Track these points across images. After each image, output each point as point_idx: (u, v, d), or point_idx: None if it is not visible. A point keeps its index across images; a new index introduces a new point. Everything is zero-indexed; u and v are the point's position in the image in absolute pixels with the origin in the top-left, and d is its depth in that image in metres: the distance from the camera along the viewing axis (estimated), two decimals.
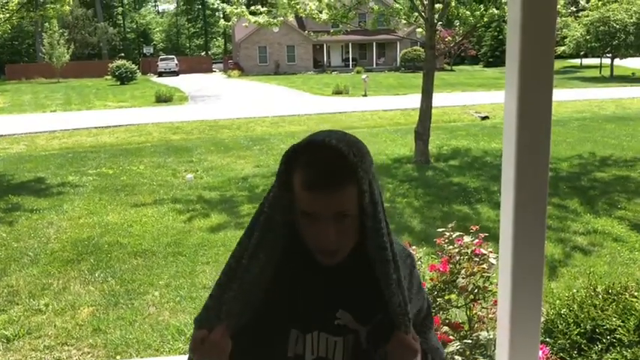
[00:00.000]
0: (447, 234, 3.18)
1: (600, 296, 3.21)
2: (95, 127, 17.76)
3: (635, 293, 3.18)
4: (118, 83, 36.78)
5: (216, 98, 27.50)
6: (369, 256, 1.21)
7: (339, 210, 1.14)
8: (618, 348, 2.85)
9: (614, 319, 2.97)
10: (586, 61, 45.46)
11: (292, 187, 1.16)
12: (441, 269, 3.03)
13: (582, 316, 3.10)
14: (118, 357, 4.28)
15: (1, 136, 16.56)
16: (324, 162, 1.13)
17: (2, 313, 5.05)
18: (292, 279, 1.26)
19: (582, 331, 3.03)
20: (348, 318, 1.26)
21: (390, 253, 1.19)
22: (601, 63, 38.95)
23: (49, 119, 20.44)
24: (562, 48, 36.09)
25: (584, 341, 2.98)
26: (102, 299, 5.29)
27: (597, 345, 2.94)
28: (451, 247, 3.14)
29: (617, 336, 2.88)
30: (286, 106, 22.53)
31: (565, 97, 22.26)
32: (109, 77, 38.60)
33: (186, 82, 37.70)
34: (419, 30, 12.33)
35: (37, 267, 6.12)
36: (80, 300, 5.28)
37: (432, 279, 3.10)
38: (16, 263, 6.25)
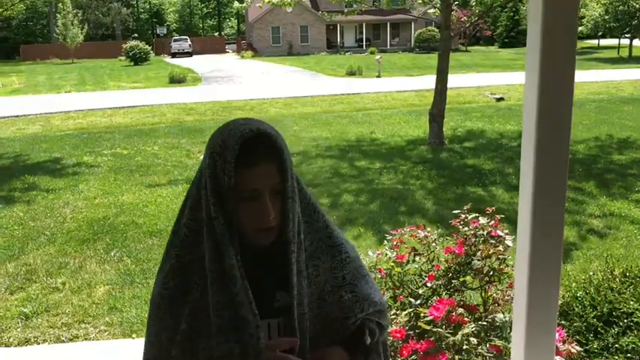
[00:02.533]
0: (463, 215, 3.16)
1: (617, 279, 3.19)
2: (109, 108, 17.82)
3: None
4: (132, 64, 36.83)
5: (230, 79, 27.45)
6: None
7: (275, 181, 1.22)
8: (635, 331, 2.83)
9: (631, 303, 2.94)
10: (604, 42, 44.73)
11: (230, 178, 1.19)
12: (456, 251, 3.02)
13: (599, 299, 3.08)
14: (134, 335, 4.33)
15: (17, 116, 16.69)
16: (258, 140, 1.21)
17: (20, 290, 5.13)
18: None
19: (599, 314, 3.01)
20: (285, 297, 1.29)
21: (293, 248, 1.26)
22: (619, 43, 38.32)
23: (64, 100, 20.54)
24: (580, 28, 35.52)
25: (601, 324, 2.96)
26: (118, 278, 5.35)
27: (614, 328, 2.92)
28: (466, 228, 3.12)
29: (635, 319, 2.86)
30: (299, 88, 22.45)
31: (582, 78, 21.92)
32: (123, 58, 38.68)
33: (199, 63, 37.65)
34: (433, 10, 12.18)
35: (54, 246, 6.20)
36: (96, 279, 5.34)
37: (446, 261, 3.09)
38: (33, 242, 6.33)
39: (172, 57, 46.25)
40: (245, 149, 1.18)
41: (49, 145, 12.16)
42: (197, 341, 1.26)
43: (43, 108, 17.99)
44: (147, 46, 39.39)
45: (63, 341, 4.26)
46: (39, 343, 4.25)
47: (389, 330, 1.50)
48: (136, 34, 54.56)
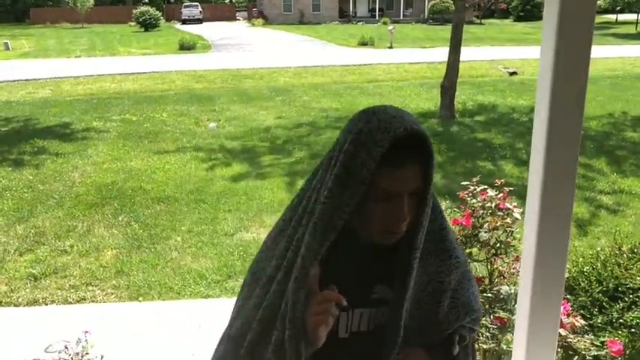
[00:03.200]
0: (471, 187, 3.13)
1: (625, 255, 3.16)
2: (119, 74, 17.76)
3: None
4: (142, 30, 36.59)
5: (240, 47, 27.23)
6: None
7: (417, 185, 1.12)
8: None
9: (638, 278, 2.93)
10: (622, 17, 43.83)
11: (370, 175, 1.09)
12: (463, 223, 3.00)
13: (605, 274, 3.07)
14: (141, 298, 4.38)
15: (27, 80, 16.68)
16: (409, 142, 1.09)
17: (29, 252, 5.18)
18: (332, 259, 1.21)
19: (604, 289, 3.00)
20: (386, 291, 1.25)
21: (417, 255, 1.19)
22: (637, 19, 37.54)
23: (74, 65, 20.48)
24: (598, 2, 34.82)
25: (606, 299, 2.96)
26: (125, 242, 5.39)
27: (619, 303, 2.91)
28: (474, 200, 3.10)
29: None
30: (310, 57, 22.24)
31: (597, 54, 21.50)
32: (133, 24, 38.41)
33: (209, 30, 37.33)
34: None
35: (62, 209, 6.24)
36: (104, 242, 5.38)
37: (452, 232, 3.07)
38: (42, 205, 6.37)
39: (182, 24, 45.86)
40: (395, 150, 1.08)
41: (59, 109, 12.16)
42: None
43: (52, 72, 17.96)
44: (157, 12, 39.04)
45: (70, 303, 4.31)
46: (47, 304, 4.31)
47: None
48: (146, 0, 54.01)
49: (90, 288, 4.53)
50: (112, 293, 4.47)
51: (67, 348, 2.44)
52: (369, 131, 1.09)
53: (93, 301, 4.35)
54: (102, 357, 2.51)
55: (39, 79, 16.78)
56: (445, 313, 1.30)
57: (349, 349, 1.26)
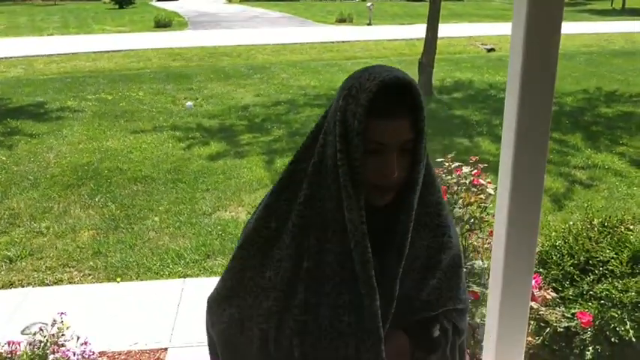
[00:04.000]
0: (446, 164, 3.16)
1: (596, 229, 3.23)
2: (93, 52, 17.40)
3: (631, 226, 3.20)
4: (117, 7, 35.77)
5: (217, 24, 26.84)
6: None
7: (407, 138, 1.13)
8: (610, 279, 2.89)
9: (607, 251, 3.00)
10: None
11: (361, 123, 1.10)
12: None
13: (577, 247, 3.13)
14: (119, 279, 4.36)
15: None
16: (397, 91, 1.11)
17: (4, 234, 5.12)
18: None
19: (576, 262, 3.07)
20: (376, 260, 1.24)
21: (411, 218, 1.18)
22: None
23: (47, 43, 20.01)
24: None
25: (577, 272, 3.02)
26: (102, 223, 5.35)
27: (589, 276, 2.98)
28: (449, 177, 3.13)
29: (610, 267, 2.92)
30: (288, 34, 22.02)
31: (573, 30, 21.68)
32: (107, 1, 37.54)
33: (186, 7, 36.68)
34: None
35: (38, 190, 6.16)
36: (80, 223, 5.33)
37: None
38: (16, 186, 6.28)
39: (158, 0, 45.00)
40: (382, 97, 1.09)
41: (32, 88, 11.91)
42: (268, 294, 1.22)
43: (25, 51, 17.53)
44: None
45: (47, 284, 4.29)
46: (23, 286, 4.27)
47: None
48: None
49: (67, 269, 4.50)
50: (90, 274, 4.45)
51: (42, 330, 2.44)
52: (359, 84, 1.11)
53: (70, 283, 4.33)
54: (77, 338, 2.51)
55: (10, 58, 16.37)
56: (428, 292, 1.28)
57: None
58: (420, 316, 1.29)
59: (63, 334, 2.44)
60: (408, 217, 1.17)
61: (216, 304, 1.33)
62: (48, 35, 22.84)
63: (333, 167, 1.14)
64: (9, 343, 2.35)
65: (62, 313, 2.52)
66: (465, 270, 2.92)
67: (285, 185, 1.24)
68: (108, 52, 17.51)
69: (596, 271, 2.97)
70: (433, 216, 1.27)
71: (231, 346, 1.30)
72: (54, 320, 2.49)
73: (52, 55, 16.91)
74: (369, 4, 28.70)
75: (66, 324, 2.46)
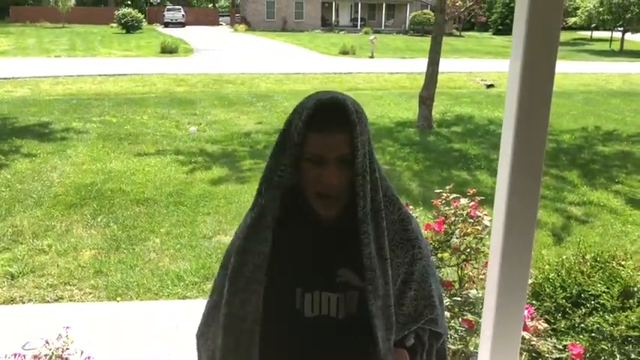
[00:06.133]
0: (444, 195, 3.26)
1: (588, 263, 3.31)
2: (99, 75, 17.67)
3: (622, 262, 3.28)
4: (124, 32, 36.36)
5: (222, 52, 27.25)
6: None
7: (343, 152, 1.24)
8: (601, 312, 2.96)
9: (599, 285, 3.07)
10: (597, 34, 44.83)
11: (300, 135, 1.24)
12: (436, 228, 3.12)
13: (569, 281, 3.21)
14: (119, 298, 4.42)
15: (6, 78, 16.50)
16: (333, 109, 1.24)
17: (7, 251, 5.18)
18: (293, 240, 1.34)
19: (568, 295, 3.14)
20: (350, 275, 1.32)
21: (365, 228, 1.27)
22: (612, 36, 38.46)
23: (54, 64, 20.32)
24: (573, 19, 35.63)
25: (569, 305, 3.10)
26: (104, 243, 5.41)
27: (581, 309, 3.05)
28: (447, 208, 3.23)
29: (601, 301, 2.99)
30: (291, 64, 22.36)
31: (572, 69, 22.06)
32: (115, 25, 38.16)
33: (192, 34, 37.26)
34: None
35: (41, 209, 6.23)
36: (82, 243, 5.40)
37: (426, 238, 3.19)
38: (20, 204, 6.36)
39: (165, 27, 45.68)
40: (320, 114, 1.22)
41: (38, 109, 12.09)
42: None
43: (32, 71, 17.80)
44: (139, 14, 38.85)
45: (48, 301, 4.34)
46: (24, 303, 4.32)
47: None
48: (129, 2, 53.75)
49: (68, 287, 4.55)
50: (90, 293, 4.50)
51: (47, 343, 2.50)
52: (303, 103, 1.27)
53: (71, 300, 4.38)
54: (82, 352, 2.57)
55: (18, 78, 16.62)
56: (407, 305, 1.37)
57: (316, 332, 1.33)
58: (406, 329, 1.38)
59: (67, 348, 2.50)
60: (361, 230, 1.26)
61: (200, 332, 1.49)
62: (55, 57, 23.18)
63: (271, 176, 1.30)
64: (15, 355, 2.41)
65: (67, 327, 2.58)
66: (460, 299, 3.00)
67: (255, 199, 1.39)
68: (114, 75, 17.78)
69: (588, 305, 3.05)
70: (400, 232, 1.37)
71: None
72: (59, 334, 2.55)
73: (58, 76, 17.17)
74: (371, 37, 29.18)
75: (71, 338, 2.53)
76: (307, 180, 1.27)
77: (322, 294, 1.34)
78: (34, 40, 29.73)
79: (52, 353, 2.43)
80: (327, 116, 1.23)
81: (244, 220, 1.38)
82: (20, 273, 4.72)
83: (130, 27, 36.61)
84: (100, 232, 5.69)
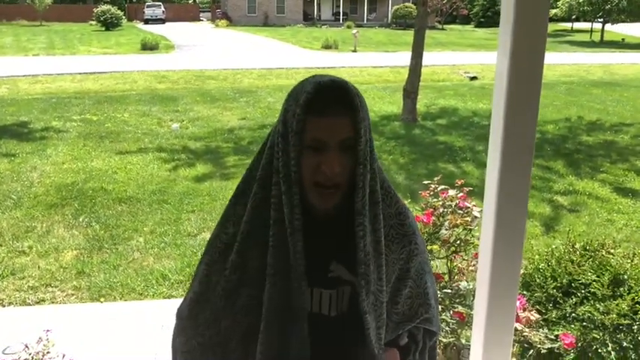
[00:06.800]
0: (433, 186, 3.21)
1: (578, 252, 3.29)
2: (79, 73, 17.42)
3: (612, 250, 3.26)
4: (103, 29, 35.93)
5: (203, 48, 27.01)
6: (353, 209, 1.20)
7: (345, 136, 1.15)
8: (592, 301, 2.94)
9: (589, 274, 3.05)
10: (577, 25, 45.23)
11: (300, 123, 1.14)
12: (424, 220, 3.07)
13: (559, 270, 3.18)
14: (102, 299, 4.32)
15: None
16: (333, 92, 1.15)
17: None
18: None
19: (558, 285, 3.11)
20: (342, 270, 1.26)
21: (361, 220, 1.18)
22: (592, 28, 38.81)
23: (32, 63, 19.99)
24: (554, 11, 35.89)
25: (560, 295, 3.07)
26: (86, 243, 5.30)
27: (572, 298, 3.02)
28: (435, 199, 3.18)
29: (592, 290, 2.96)
30: (274, 59, 22.24)
31: (553, 60, 22.19)
32: (94, 22, 37.67)
33: (172, 31, 36.90)
34: None
35: (21, 210, 6.10)
36: (64, 243, 5.28)
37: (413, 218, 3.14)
38: None
39: (145, 23, 45.22)
40: (319, 98, 1.13)
41: (16, 108, 11.86)
42: (240, 291, 1.25)
43: (9, 71, 17.49)
44: (119, 11, 38.42)
45: (29, 304, 4.23)
46: (4, 306, 4.21)
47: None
48: None
49: (49, 289, 4.44)
50: (73, 294, 4.39)
51: (27, 347, 2.41)
52: (301, 87, 1.18)
53: (53, 303, 4.27)
54: (63, 355, 2.49)
55: None
56: (402, 303, 1.32)
57: (312, 331, 1.25)
58: (401, 329, 1.32)
59: (48, 352, 2.41)
60: (357, 221, 1.17)
61: (188, 310, 1.35)
62: (33, 55, 22.82)
63: (275, 167, 1.19)
64: None
65: (48, 331, 2.49)
66: (450, 291, 2.96)
67: (241, 191, 1.29)
68: (94, 73, 17.54)
69: (579, 294, 3.02)
70: (397, 227, 1.30)
71: (210, 348, 1.31)
72: (39, 338, 2.47)
73: (37, 75, 16.89)
74: (354, 31, 29.13)
75: (52, 342, 2.44)
76: (305, 169, 1.17)
77: (314, 290, 1.27)
78: (10, 39, 29.23)
79: (32, 357, 2.35)
80: (328, 98, 1.14)
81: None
82: (0, 276, 4.60)
83: (109, 24, 36.19)
84: (82, 232, 5.57)
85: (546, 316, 3.02)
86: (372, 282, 1.21)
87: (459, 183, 3.26)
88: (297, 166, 1.15)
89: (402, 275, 1.32)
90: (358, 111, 1.15)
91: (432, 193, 3.22)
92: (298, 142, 1.14)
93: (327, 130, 1.14)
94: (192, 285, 1.36)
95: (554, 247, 3.62)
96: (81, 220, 5.86)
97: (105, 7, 37.83)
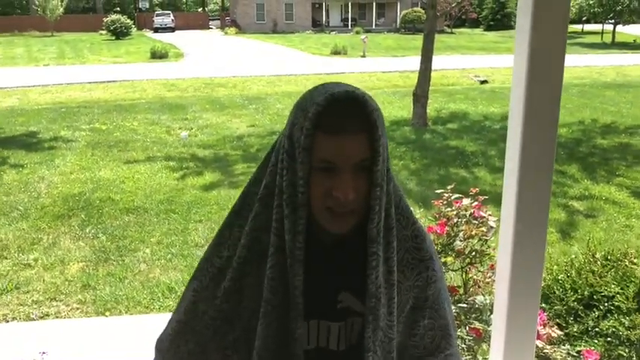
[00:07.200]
0: (446, 195, 3.08)
1: (599, 262, 3.15)
2: (89, 82, 17.46)
3: (635, 260, 3.11)
4: (113, 38, 36.15)
5: (213, 55, 27.05)
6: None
7: (361, 158, 1.01)
8: (616, 315, 2.79)
9: (612, 286, 2.90)
10: (588, 27, 44.87)
11: (308, 138, 1.00)
12: (438, 231, 2.94)
13: (580, 282, 3.04)
14: (107, 313, 4.23)
15: None
16: (348, 105, 1.00)
17: None
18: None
19: (579, 297, 2.97)
20: (352, 300, 1.13)
21: (374, 249, 1.05)
22: (603, 29, 38.47)
23: (42, 73, 20.09)
24: None
25: (581, 307, 2.93)
26: (92, 255, 5.22)
27: (594, 312, 2.88)
28: (449, 209, 3.05)
29: (616, 303, 2.82)
30: (283, 66, 22.19)
31: (565, 62, 21.93)
32: (104, 32, 37.92)
33: (182, 39, 37.04)
34: None
35: (27, 221, 6.03)
36: (70, 255, 5.20)
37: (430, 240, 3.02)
38: (5, 217, 6.16)
39: (154, 32, 45.43)
40: (332, 111, 0.98)
41: (26, 118, 11.87)
42: (232, 323, 1.13)
43: (20, 81, 17.58)
44: (129, 20, 38.64)
45: (33, 319, 4.14)
46: (7, 321, 4.12)
47: None
48: (117, 8, 53.39)
49: (54, 303, 4.36)
50: (78, 308, 4.30)
51: None
52: (310, 97, 1.02)
53: (57, 317, 4.18)
54: None
55: (5, 88, 16.39)
56: (421, 335, 1.19)
57: None
58: None
59: None
60: (370, 251, 1.05)
61: (169, 341, 1.22)
62: (44, 66, 22.96)
63: (279, 186, 1.05)
64: None
65: (43, 353, 2.39)
66: (465, 306, 2.83)
67: (237, 210, 1.15)
68: (103, 82, 17.58)
69: (601, 307, 2.88)
70: (413, 251, 1.17)
71: None
72: None
73: (47, 85, 16.95)
74: (362, 36, 29.07)
75: None
76: (314, 190, 1.02)
77: (321, 323, 1.14)
78: (22, 50, 29.46)
79: None
80: (342, 114, 0.99)
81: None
82: (4, 290, 4.53)
83: (119, 33, 36.39)
84: (89, 243, 5.49)
85: (567, 330, 2.88)
86: (382, 317, 1.08)
87: (474, 192, 3.13)
88: (306, 186, 1.01)
89: (418, 304, 1.18)
90: (376, 128, 1.01)
91: (445, 202, 3.09)
92: (307, 160, 1.00)
93: (340, 151, 1.00)
94: (176, 313, 1.22)
95: (573, 256, 3.48)
96: (87, 231, 5.78)
97: (115, 16, 38.07)
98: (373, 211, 1.03)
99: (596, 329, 2.79)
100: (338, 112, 0.99)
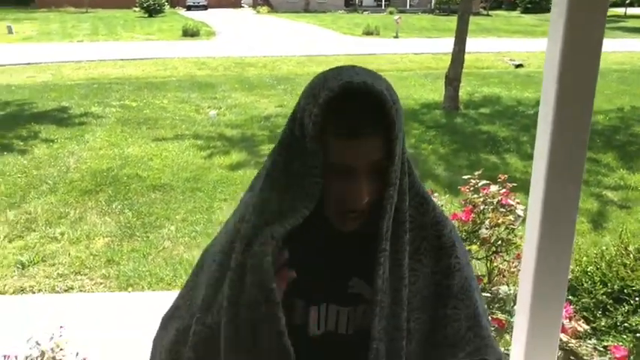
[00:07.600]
0: (473, 182, 2.99)
1: (632, 255, 3.03)
2: (121, 59, 17.59)
3: None
4: (146, 15, 36.33)
5: (244, 34, 27.00)
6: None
7: (376, 158, 0.94)
8: None
9: None
10: (631, 11, 43.38)
11: (321, 134, 0.94)
12: (463, 218, 2.86)
13: (610, 275, 2.93)
14: (130, 289, 4.26)
15: (28, 64, 16.52)
16: (364, 102, 0.92)
17: (19, 239, 5.07)
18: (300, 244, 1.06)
19: (609, 290, 2.87)
20: (362, 286, 1.09)
21: (384, 246, 1.00)
22: None
23: (76, 49, 20.32)
24: None
25: (611, 301, 2.83)
26: (117, 231, 5.27)
27: (624, 306, 2.78)
28: (476, 195, 2.96)
29: None
30: (314, 46, 22.02)
31: (605, 47, 21.07)
32: (137, 9, 38.13)
33: (214, 17, 37.06)
34: None
35: (56, 195, 6.12)
36: (96, 230, 5.26)
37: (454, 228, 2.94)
38: (35, 190, 6.26)
39: (187, 10, 45.55)
40: (345, 108, 0.91)
41: (58, 94, 12.02)
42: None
43: (54, 56, 17.80)
44: None
45: (57, 292, 4.20)
46: (34, 293, 4.19)
47: None
48: None
49: (78, 277, 4.42)
50: (101, 283, 4.35)
51: (38, 344, 2.32)
52: (324, 80, 0.95)
53: (81, 291, 4.24)
54: (77, 354, 2.39)
55: (40, 63, 16.63)
56: (444, 325, 1.12)
57: (325, 352, 1.11)
58: (451, 357, 1.12)
59: (61, 349, 2.32)
60: (379, 248, 1.00)
61: (164, 322, 1.24)
62: (78, 42, 23.21)
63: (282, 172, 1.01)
64: (5, 357, 2.25)
65: (61, 327, 2.40)
66: (489, 295, 2.75)
67: (230, 245, 1.12)
68: (135, 59, 17.68)
69: (632, 302, 2.77)
70: (432, 239, 1.11)
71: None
72: (52, 335, 2.38)
73: (80, 61, 17.13)
74: (396, 17, 28.65)
75: (65, 339, 2.35)
76: (328, 195, 0.98)
77: (330, 307, 1.10)
78: (57, 26, 29.84)
79: (44, 355, 2.26)
80: (356, 112, 0.92)
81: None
82: (31, 262, 4.61)
83: (152, 11, 36.55)
84: (115, 219, 5.54)
85: (594, 325, 2.78)
86: (388, 308, 1.03)
87: (502, 178, 3.03)
88: (320, 177, 0.96)
89: (440, 293, 1.12)
90: (394, 127, 0.94)
91: (472, 188, 3.00)
92: (319, 152, 0.94)
93: (353, 152, 0.93)
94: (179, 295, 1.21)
95: (604, 248, 3.36)
96: (114, 206, 5.83)
97: None
98: (385, 210, 0.98)
99: (625, 324, 2.69)
100: (352, 109, 0.92)
